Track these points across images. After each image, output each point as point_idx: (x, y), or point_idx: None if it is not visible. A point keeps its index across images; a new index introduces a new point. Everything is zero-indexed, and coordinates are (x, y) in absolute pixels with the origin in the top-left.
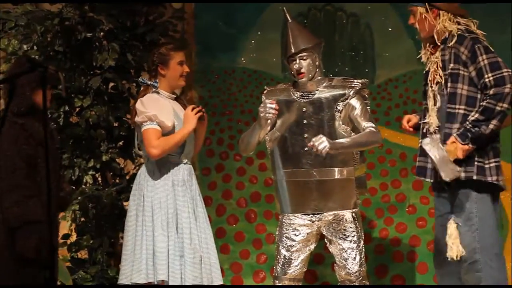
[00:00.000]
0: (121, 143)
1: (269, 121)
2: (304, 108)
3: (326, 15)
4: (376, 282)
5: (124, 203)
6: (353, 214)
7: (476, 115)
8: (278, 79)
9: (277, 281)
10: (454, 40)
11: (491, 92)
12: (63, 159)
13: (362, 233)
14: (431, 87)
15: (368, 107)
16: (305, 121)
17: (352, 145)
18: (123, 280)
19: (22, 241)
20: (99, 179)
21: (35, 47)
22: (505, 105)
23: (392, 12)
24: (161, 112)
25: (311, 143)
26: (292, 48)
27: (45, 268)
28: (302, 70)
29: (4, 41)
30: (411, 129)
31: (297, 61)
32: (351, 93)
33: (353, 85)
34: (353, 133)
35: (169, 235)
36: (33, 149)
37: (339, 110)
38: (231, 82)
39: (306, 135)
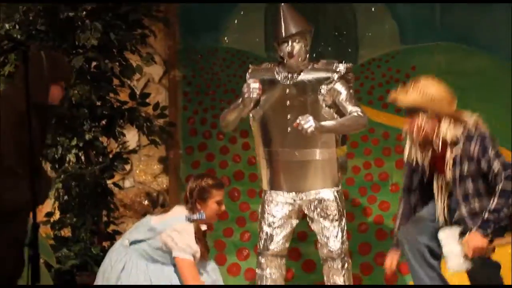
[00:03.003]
0: (104, 122)
1: (252, 101)
2: (288, 90)
3: None
4: (359, 260)
5: (108, 181)
6: (335, 193)
7: (496, 201)
8: (262, 59)
9: (260, 257)
10: (463, 141)
11: (503, 175)
12: (46, 138)
13: (344, 212)
14: (437, 180)
15: (352, 91)
16: (288, 103)
17: (338, 127)
18: None
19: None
20: (82, 157)
21: (17, 26)
22: None
23: None
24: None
25: (297, 122)
26: (286, 31)
27: (28, 246)
28: (294, 53)
29: None
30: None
31: (290, 43)
32: (335, 78)
33: (338, 70)
34: (336, 116)
35: None
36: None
37: (323, 93)
38: (214, 61)
39: (289, 116)
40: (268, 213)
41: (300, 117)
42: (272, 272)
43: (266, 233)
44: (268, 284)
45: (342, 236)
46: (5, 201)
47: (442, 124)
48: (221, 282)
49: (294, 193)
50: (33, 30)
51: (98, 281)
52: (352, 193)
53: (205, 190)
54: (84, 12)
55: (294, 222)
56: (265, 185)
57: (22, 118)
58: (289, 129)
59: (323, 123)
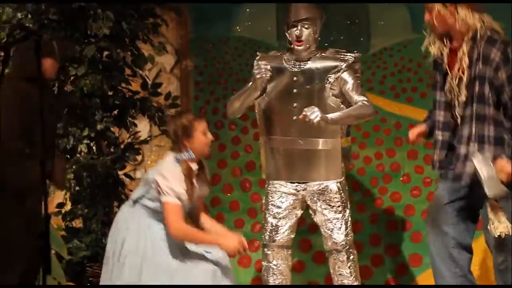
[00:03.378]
0: (115, 112)
1: (263, 82)
2: (295, 77)
3: None
4: (370, 251)
5: (119, 172)
6: (338, 184)
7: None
8: (273, 48)
9: (266, 249)
10: (485, 40)
11: None
12: (58, 128)
13: (348, 203)
14: (454, 80)
15: (359, 81)
16: (295, 90)
17: (344, 118)
18: None
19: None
20: (94, 148)
21: (29, 16)
22: None
23: None
24: (184, 189)
25: (303, 113)
26: (297, 15)
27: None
28: (302, 38)
29: None
30: (417, 138)
31: (299, 27)
32: (343, 66)
33: (346, 58)
34: (342, 106)
35: None
36: (33, 116)
37: (330, 82)
38: (226, 50)
39: (295, 104)
40: (272, 204)
41: (306, 109)
42: (278, 263)
43: (272, 224)
44: (276, 275)
45: (346, 228)
46: (13, 181)
47: (460, 9)
48: (227, 261)
49: (296, 183)
50: (45, 20)
51: (108, 245)
52: (364, 183)
53: (188, 125)
54: (96, 2)
55: (299, 212)
56: (267, 175)
57: (24, 98)
58: (294, 117)
59: (329, 114)
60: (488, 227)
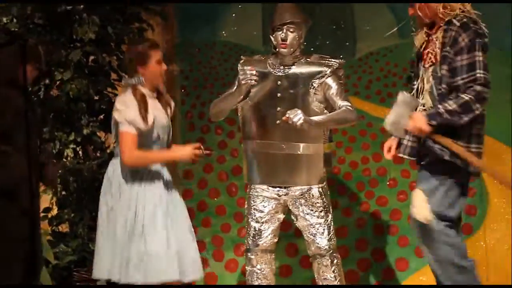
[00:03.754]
0: (102, 116)
1: (247, 87)
2: (279, 82)
3: None
4: (356, 256)
5: None
6: (320, 189)
7: (454, 106)
8: (259, 52)
9: (249, 253)
10: (458, 25)
11: (477, 89)
12: (44, 132)
13: (330, 208)
14: (424, 67)
15: (343, 87)
16: (279, 95)
17: (327, 121)
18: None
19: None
20: (80, 152)
21: (14, 20)
22: (481, 109)
23: None
24: (136, 114)
25: (286, 116)
26: (282, 18)
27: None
28: (287, 41)
29: None
30: (392, 154)
31: (284, 31)
32: (327, 72)
33: (330, 64)
34: (326, 111)
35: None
36: (11, 119)
37: (314, 87)
38: (211, 55)
39: (279, 108)
40: (255, 209)
41: (288, 112)
42: (262, 267)
43: (255, 229)
44: (260, 279)
45: (329, 233)
46: None
47: None
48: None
49: (278, 187)
50: (31, 24)
51: (101, 199)
52: (350, 188)
53: (143, 53)
54: (82, 6)
55: (281, 216)
56: (249, 179)
57: (4, 102)
58: (278, 121)
59: (312, 117)
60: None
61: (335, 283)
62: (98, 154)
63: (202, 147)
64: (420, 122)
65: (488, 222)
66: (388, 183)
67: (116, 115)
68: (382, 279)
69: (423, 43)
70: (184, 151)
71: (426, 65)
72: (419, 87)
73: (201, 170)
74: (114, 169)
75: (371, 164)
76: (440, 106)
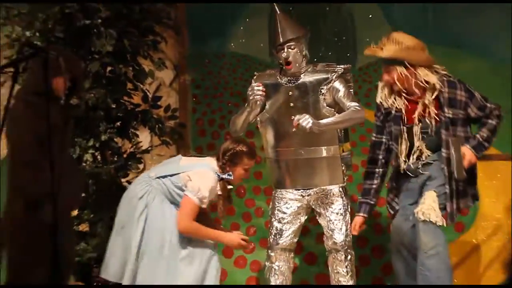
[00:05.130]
0: (118, 123)
1: (258, 102)
2: (290, 92)
3: (310, 4)
4: (357, 252)
5: (122, 180)
6: (340, 188)
7: (488, 133)
8: (266, 63)
9: (269, 251)
10: (446, 86)
11: (497, 113)
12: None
13: (349, 207)
14: (407, 126)
15: (351, 90)
16: (291, 104)
17: (336, 122)
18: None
19: (41, 212)
20: (99, 157)
21: (37, 34)
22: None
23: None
24: (209, 197)
25: (296, 121)
26: (281, 38)
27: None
28: (290, 59)
29: (8, 28)
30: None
31: (285, 50)
32: (333, 77)
33: (336, 70)
34: (337, 114)
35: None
36: (45, 129)
37: (323, 93)
38: (221, 66)
39: (293, 117)
40: (278, 210)
41: (297, 116)
42: (280, 264)
43: (276, 228)
44: (277, 275)
45: (346, 230)
46: (28, 192)
47: (420, 71)
48: (213, 273)
49: (302, 190)
50: (52, 37)
51: (121, 206)
52: (351, 189)
53: (238, 155)
54: (100, 20)
55: (303, 218)
56: (274, 184)
57: (37, 113)
58: (294, 129)
59: (321, 120)
60: (416, 210)
61: (347, 277)
62: (115, 159)
63: (247, 239)
64: (471, 156)
65: (479, 221)
66: (386, 185)
67: (195, 181)
68: (381, 274)
69: (398, 107)
70: (232, 237)
71: (411, 124)
72: (404, 144)
73: None
74: (151, 192)
75: None
76: (478, 137)
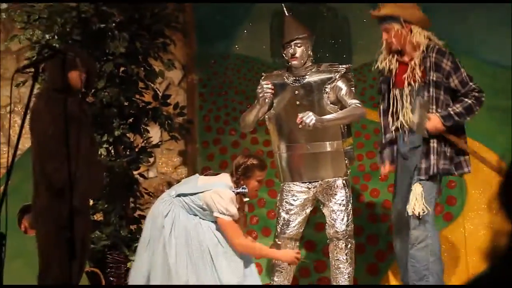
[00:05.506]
0: (131, 120)
1: (267, 100)
2: (296, 91)
3: (309, 8)
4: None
5: (134, 172)
6: (343, 181)
7: (461, 109)
8: (268, 64)
9: (277, 239)
10: (434, 52)
11: (477, 95)
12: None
13: (351, 198)
14: (398, 88)
15: (353, 88)
16: (297, 102)
17: (337, 119)
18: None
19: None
20: (112, 151)
21: (56, 37)
22: (478, 112)
23: (366, 5)
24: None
25: (299, 118)
26: (290, 35)
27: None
28: (296, 55)
29: (29, 31)
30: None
31: (292, 47)
32: (337, 77)
33: (339, 70)
34: (339, 111)
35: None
36: (66, 122)
37: (327, 92)
38: (226, 66)
39: (299, 114)
40: (286, 202)
41: (300, 114)
42: None
43: (284, 219)
44: (282, 262)
45: (348, 220)
46: (52, 181)
47: (414, 29)
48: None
49: (308, 182)
50: (70, 40)
51: (147, 224)
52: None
53: (249, 169)
54: (114, 24)
55: (308, 210)
56: (282, 177)
57: (56, 107)
58: (300, 126)
59: (323, 117)
60: (408, 207)
61: (346, 264)
62: (127, 153)
63: (300, 254)
64: (437, 123)
65: (466, 211)
66: (380, 177)
67: (219, 202)
68: (376, 261)
69: (391, 68)
70: (287, 254)
71: (402, 87)
72: (395, 106)
73: (217, 166)
74: (176, 208)
75: (365, 161)
76: (450, 110)
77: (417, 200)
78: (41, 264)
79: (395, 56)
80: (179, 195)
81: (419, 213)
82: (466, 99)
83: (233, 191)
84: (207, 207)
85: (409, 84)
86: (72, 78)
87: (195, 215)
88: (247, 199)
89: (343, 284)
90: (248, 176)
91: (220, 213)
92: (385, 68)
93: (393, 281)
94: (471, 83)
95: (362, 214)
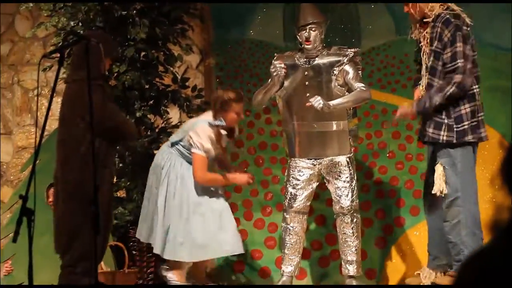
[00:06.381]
0: (151, 102)
1: (280, 78)
2: (306, 72)
3: None
4: (362, 215)
5: (155, 151)
6: (347, 159)
7: (439, 98)
8: (280, 48)
9: (285, 213)
10: (441, 21)
11: (459, 79)
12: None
13: (355, 175)
14: (423, 57)
15: (360, 71)
16: (307, 83)
17: (344, 103)
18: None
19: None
20: None
21: (80, 24)
22: (453, 91)
23: None
24: (212, 146)
25: (309, 103)
26: (305, 19)
27: (91, 203)
28: (310, 39)
29: (55, 18)
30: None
31: (307, 30)
32: (345, 60)
33: (347, 54)
34: (347, 93)
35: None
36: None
37: (335, 74)
38: (241, 50)
39: (308, 94)
40: (293, 177)
41: (311, 99)
42: (294, 225)
43: (291, 193)
44: (292, 235)
45: (352, 195)
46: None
47: None
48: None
49: (314, 159)
50: (93, 27)
51: (149, 175)
52: (356, 159)
53: (226, 102)
54: (134, 11)
55: (314, 184)
56: (290, 153)
57: (83, 91)
58: (307, 104)
59: (331, 102)
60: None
61: (352, 238)
62: (148, 133)
63: (254, 179)
64: (406, 110)
65: None
66: (388, 155)
67: (195, 139)
68: (383, 234)
69: (419, 38)
70: (242, 177)
71: (424, 56)
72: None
73: (233, 145)
74: (170, 158)
75: (374, 140)
76: (426, 97)
77: (440, 181)
78: (66, 240)
79: (419, 25)
80: (172, 144)
81: (441, 192)
82: (448, 88)
83: (211, 124)
84: (190, 146)
85: (423, 52)
86: (99, 64)
87: (190, 163)
88: (225, 132)
89: (351, 256)
90: (225, 109)
91: (195, 148)
92: (416, 37)
93: (399, 253)
94: (458, 61)
95: (371, 190)
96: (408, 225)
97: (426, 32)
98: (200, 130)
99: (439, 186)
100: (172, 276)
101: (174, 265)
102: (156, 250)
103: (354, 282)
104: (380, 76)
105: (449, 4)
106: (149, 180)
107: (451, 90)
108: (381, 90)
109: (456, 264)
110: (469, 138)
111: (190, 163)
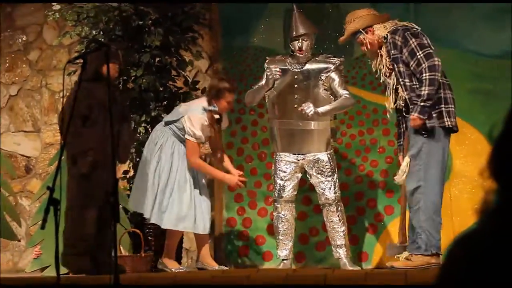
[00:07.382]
0: (165, 102)
1: (273, 81)
2: (296, 76)
3: (316, 6)
4: (354, 204)
5: None
6: (328, 155)
7: (426, 89)
8: (282, 54)
9: (276, 203)
10: (390, 33)
11: (427, 64)
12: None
13: (336, 169)
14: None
15: (343, 79)
16: (296, 86)
17: (331, 110)
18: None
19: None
20: (149, 129)
21: (101, 32)
22: (438, 76)
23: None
24: (204, 132)
25: (301, 108)
26: (298, 31)
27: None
28: (303, 48)
29: (79, 28)
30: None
31: (300, 41)
32: (332, 68)
33: (334, 62)
34: (331, 97)
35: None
36: (94, 107)
37: (322, 79)
38: (246, 56)
39: (296, 96)
40: (279, 170)
41: (303, 104)
42: (285, 213)
43: (279, 185)
44: (284, 222)
45: (335, 188)
46: (70, 149)
47: (376, 29)
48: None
49: (297, 154)
50: (113, 35)
51: (144, 150)
52: (350, 154)
53: (220, 91)
54: (150, 21)
55: (299, 175)
56: (276, 148)
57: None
58: (295, 105)
59: (320, 108)
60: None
61: (339, 224)
62: None
63: (245, 182)
64: (416, 122)
65: (452, 178)
66: (378, 150)
67: (188, 126)
68: (375, 221)
69: (380, 68)
70: (232, 178)
71: (387, 75)
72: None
73: (239, 141)
74: (164, 136)
75: (366, 136)
76: (418, 100)
77: (402, 172)
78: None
79: (378, 57)
80: (166, 124)
81: (403, 182)
82: (423, 76)
83: (205, 109)
84: (184, 130)
85: (384, 74)
86: (111, 68)
87: (182, 141)
88: (217, 116)
89: (339, 240)
90: (219, 97)
91: (188, 135)
92: (378, 71)
93: (388, 238)
94: (418, 53)
95: (363, 182)
96: (396, 213)
97: (384, 52)
98: (193, 118)
99: (399, 176)
100: (165, 265)
101: (166, 254)
102: (146, 215)
103: (347, 264)
104: (371, 79)
105: (388, 23)
106: (143, 155)
107: (429, 76)
108: (372, 91)
109: (412, 247)
110: (431, 122)
111: (181, 142)
